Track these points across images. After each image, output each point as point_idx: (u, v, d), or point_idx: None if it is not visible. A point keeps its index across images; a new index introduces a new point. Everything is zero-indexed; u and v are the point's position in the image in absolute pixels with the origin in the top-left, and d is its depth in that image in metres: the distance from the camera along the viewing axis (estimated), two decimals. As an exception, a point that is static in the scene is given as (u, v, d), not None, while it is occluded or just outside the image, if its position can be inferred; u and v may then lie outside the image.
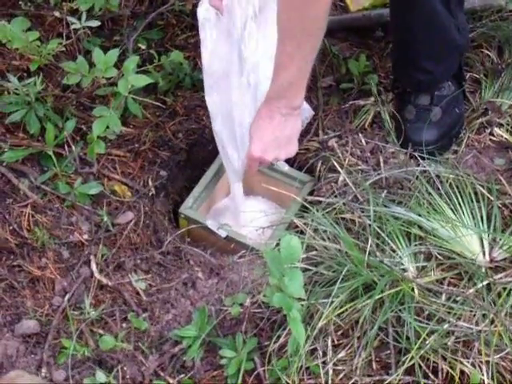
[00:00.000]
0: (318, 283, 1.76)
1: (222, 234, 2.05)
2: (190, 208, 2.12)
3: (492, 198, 1.89)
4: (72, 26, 2.05)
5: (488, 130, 2.09)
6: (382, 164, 2.04)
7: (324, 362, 1.67)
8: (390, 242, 1.81)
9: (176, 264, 1.98)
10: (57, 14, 2.15)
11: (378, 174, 1.98)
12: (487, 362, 1.61)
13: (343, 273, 1.70)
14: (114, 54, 1.90)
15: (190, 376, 1.73)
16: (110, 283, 1.88)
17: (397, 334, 1.68)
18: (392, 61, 2.19)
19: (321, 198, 2.00)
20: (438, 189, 1.92)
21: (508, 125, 2.09)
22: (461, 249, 1.80)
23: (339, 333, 1.71)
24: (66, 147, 2.01)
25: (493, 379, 1.60)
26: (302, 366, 1.65)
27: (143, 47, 2.26)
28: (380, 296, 1.68)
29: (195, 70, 2.31)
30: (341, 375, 1.66)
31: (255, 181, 2.24)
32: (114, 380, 1.70)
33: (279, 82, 1.75)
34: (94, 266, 1.90)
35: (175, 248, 2.01)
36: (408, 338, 1.65)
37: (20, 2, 2.21)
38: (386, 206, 1.88)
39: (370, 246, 1.75)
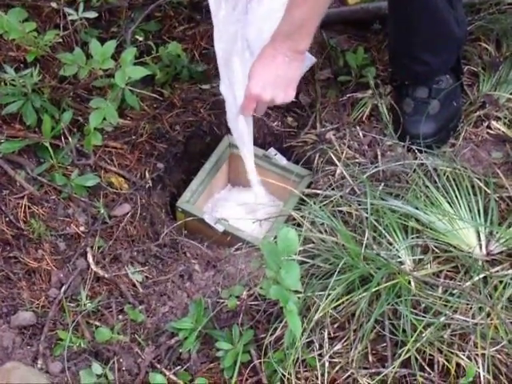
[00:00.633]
0: (315, 276, 1.76)
1: (220, 228, 2.04)
2: (187, 202, 2.12)
3: (489, 192, 1.89)
4: (69, 17, 2.04)
5: (485, 124, 2.09)
6: (379, 157, 2.04)
7: (320, 355, 1.67)
8: (386, 234, 1.81)
9: (173, 256, 1.97)
10: (54, 4, 2.14)
11: (376, 167, 1.98)
12: (483, 355, 1.62)
13: (340, 265, 1.70)
14: (111, 45, 1.89)
15: (186, 368, 1.73)
16: (106, 275, 1.87)
17: (393, 326, 1.68)
18: (389, 52, 2.18)
19: (318, 191, 1.99)
20: (436, 182, 1.91)
21: (505, 118, 2.09)
22: (457, 242, 1.80)
23: (335, 325, 1.71)
24: (62, 139, 2.01)
25: (488, 372, 1.61)
26: (298, 359, 1.66)
27: (141, 39, 2.26)
28: (376, 289, 1.68)
29: (193, 62, 2.31)
30: (337, 367, 1.66)
31: (253, 174, 2.23)
32: (110, 372, 1.70)
33: (290, 20, 1.74)
34: (90, 258, 1.89)
35: (172, 240, 2.00)
36: (404, 331, 1.65)
37: (17, -7, 2.20)
38: (383, 199, 1.88)
39: (367, 238, 1.75)
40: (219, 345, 1.73)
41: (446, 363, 1.64)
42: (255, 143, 2.24)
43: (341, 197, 1.92)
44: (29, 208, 1.93)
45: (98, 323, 1.79)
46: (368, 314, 1.68)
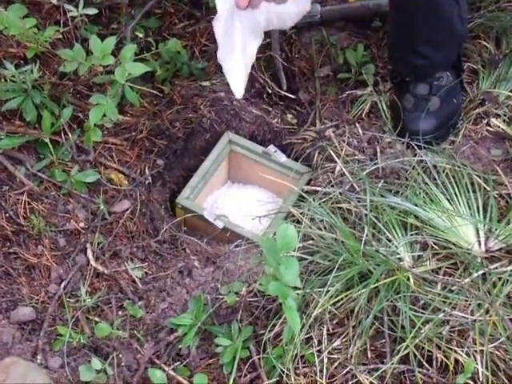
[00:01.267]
0: (314, 272, 1.76)
1: (219, 224, 2.05)
2: (187, 198, 2.12)
3: (488, 189, 1.89)
4: (69, 14, 2.04)
5: (485, 121, 2.09)
6: (378, 154, 2.04)
7: (319, 351, 1.67)
8: (386, 231, 1.81)
9: (172, 252, 1.98)
10: (54, 1, 2.14)
11: (375, 164, 1.98)
12: (481, 352, 1.62)
13: (339, 262, 1.70)
14: (111, 41, 1.89)
15: (186, 364, 1.74)
16: (106, 271, 1.88)
17: (392, 323, 1.68)
18: (388, 45, 2.18)
19: (317, 188, 2.00)
20: (435, 179, 1.91)
21: (505, 115, 2.09)
22: (457, 239, 1.80)
23: (334, 322, 1.71)
24: (62, 135, 2.01)
25: (487, 368, 1.61)
26: (297, 355, 1.66)
27: (141, 35, 2.26)
28: (375, 285, 1.68)
29: (193, 58, 2.31)
30: (336, 364, 1.66)
31: (253, 170, 2.24)
32: (109, 367, 1.70)
33: None
34: (90, 254, 1.90)
35: (171, 236, 2.01)
36: (403, 327, 1.65)
37: (17, -11, 2.20)
38: (382, 196, 1.88)
39: (366, 235, 1.76)
40: (218, 341, 1.73)
41: (444, 359, 1.64)
42: (255, 140, 2.25)
43: (340, 194, 1.92)
44: (29, 204, 1.93)
45: (97, 319, 1.79)
46: (367, 310, 1.68)
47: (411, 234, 1.81)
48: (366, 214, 1.81)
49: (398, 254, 1.78)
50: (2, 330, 1.75)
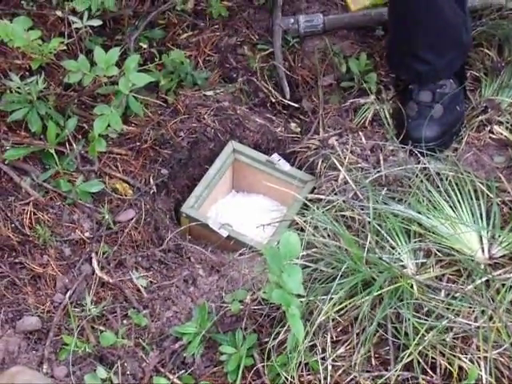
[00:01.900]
0: (318, 280, 1.77)
1: (224, 233, 2.06)
2: (191, 207, 2.13)
3: (491, 196, 1.90)
4: (74, 26, 2.06)
5: (488, 128, 2.10)
6: (381, 162, 2.05)
7: (323, 358, 1.68)
8: (389, 238, 1.82)
9: (177, 261, 1.99)
10: (59, 13, 2.16)
11: (378, 172, 1.99)
12: (485, 358, 1.62)
13: (342, 269, 1.71)
14: (114, 52, 1.91)
15: (190, 372, 1.75)
16: (111, 280, 1.89)
17: (396, 330, 1.68)
18: (388, 50, 2.19)
19: (321, 196, 2.01)
20: (438, 186, 1.92)
21: (508, 123, 2.09)
22: (460, 246, 1.80)
23: (338, 329, 1.71)
24: (67, 145, 2.03)
25: (491, 375, 1.61)
26: (301, 362, 1.66)
27: (145, 46, 2.27)
28: (379, 292, 1.69)
29: (196, 68, 2.33)
30: (340, 371, 1.67)
31: (257, 179, 2.25)
32: (114, 376, 1.71)
33: None
34: (95, 264, 1.91)
35: (176, 245, 2.02)
36: (407, 334, 1.66)
37: (22, 2, 2.22)
38: (385, 204, 1.89)
39: (369, 242, 1.76)
40: (223, 349, 1.74)
41: (448, 366, 1.64)
42: (259, 149, 2.26)
43: (343, 201, 1.93)
44: (34, 214, 1.95)
45: (102, 328, 1.80)
46: (371, 317, 1.68)
47: (414, 242, 1.82)
48: (369, 222, 1.82)
49: (402, 261, 1.79)
50: (8, 339, 1.76)
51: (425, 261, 1.79)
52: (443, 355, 1.65)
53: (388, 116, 2.16)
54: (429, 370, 1.65)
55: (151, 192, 2.12)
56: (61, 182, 2.00)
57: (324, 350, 1.69)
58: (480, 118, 2.11)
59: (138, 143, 2.17)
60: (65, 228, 1.96)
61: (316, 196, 2.04)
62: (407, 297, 1.69)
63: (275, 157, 2.21)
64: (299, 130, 2.28)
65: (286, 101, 2.29)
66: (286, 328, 1.70)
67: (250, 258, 1.94)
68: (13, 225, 1.92)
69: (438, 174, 1.96)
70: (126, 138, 2.17)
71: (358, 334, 1.69)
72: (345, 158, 2.08)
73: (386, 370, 1.66)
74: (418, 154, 2.03)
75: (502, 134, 2.08)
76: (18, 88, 1.99)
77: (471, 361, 1.63)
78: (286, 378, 1.66)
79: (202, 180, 2.19)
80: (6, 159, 1.99)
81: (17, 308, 1.81)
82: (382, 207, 1.87)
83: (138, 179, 2.12)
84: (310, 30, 2.36)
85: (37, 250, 1.91)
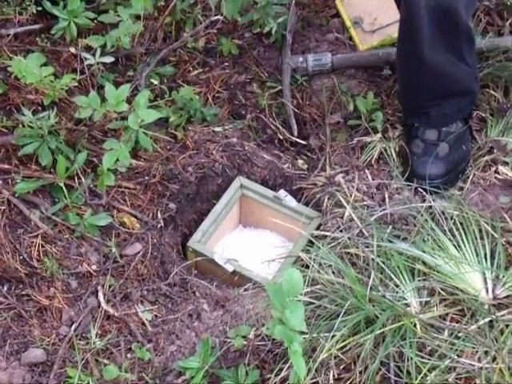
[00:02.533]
0: (322, 317, 1.78)
1: (229, 268, 2.07)
2: (198, 242, 2.15)
3: (496, 236, 1.91)
4: (86, 62, 2.11)
5: (493, 168, 2.11)
6: (387, 200, 2.07)
7: (325, 396, 1.68)
8: (393, 276, 1.82)
9: (182, 295, 2.00)
10: (72, 49, 2.21)
11: (383, 210, 2.00)
12: (488, 399, 1.62)
13: (346, 307, 1.72)
14: (125, 89, 1.95)
15: (193, 407, 1.75)
16: (116, 314, 1.90)
17: (398, 368, 1.68)
18: (399, 94, 2.23)
19: (327, 233, 2.02)
20: (443, 225, 1.93)
21: (513, 163, 2.11)
22: (464, 285, 1.81)
23: (341, 367, 1.72)
24: (76, 179, 2.06)
25: (493, 416, 1.61)
26: (303, 400, 1.66)
27: (156, 82, 2.32)
28: (382, 330, 1.69)
29: (206, 105, 2.36)
30: (342, 409, 1.67)
31: (264, 215, 2.27)
32: (117, 410, 1.72)
33: None
34: (101, 297, 1.93)
35: (182, 279, 2.03)
36: (409, 373, 1.66)
37: (37, 39, 2.27)
38: (390, 242, 1.90)
39: (373, 280, 1.77)
40: (225, 384, 1.75)
41: (450, 406, 1.64)
42: (266, 185, 2.29)
43: (349, 238, 1.94)
44: (42, 247, 1.97)
45: (106, 361, 1.81)
46: (373, 355, 1.69)
47: (419, 280, 1.82)
48: (373, 259, 1.83)
49: (406, 299, 1.79)
50: (12, 371, 1.77)
51: (429, 299, 1.80)
52: (446, 395, 1.65)
53: (394, 154, 2.18)
54: (431, 410, 1.64)
55: (158, 226, 2.14)
56: (69, 215, 2.03)
57: (326, 388, 1.69)
58: (486, 158, 2.13)
59: (146, 177, 2.19)
60: (72, 261, 1.99)
61: (322, 233, 2.05)
62: (410, 335, 1.70)
63: (282, 193, 2.23)
64: (306, 166, 2.30)
65: (294, 138, 2.32)
66: (288, 364, 1.71)
67: (254, 293, 1.95)
68: (21, 257, 1.95)
69: (443, 212, 1.97)
70: (135, 172, 2.20)
71: (360, 372, 1.69)
72: (351, 195, 2.10)
73: (389, 408, 1.67)
74: (424, 193, 2.04)
75: (507, 174, 2.09)
76: (30, 122, 2.03)
77: (473, 401, 1.63)
78: (287, 415, 1.66)
79: (210, 215, 2.21)
80: (17, 192, 2.02)
81: (22, 340, 1.83)
82: (387, 245, 1.88)
83: (145, 213, 2.14)
84: (318, 68, 2.39)
85: (44, 282, 1.93)
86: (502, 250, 1.87)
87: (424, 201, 2.03)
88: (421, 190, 2.06)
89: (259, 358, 1.76)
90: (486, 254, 1.87)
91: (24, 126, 2.04)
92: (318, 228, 2.13)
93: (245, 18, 2.43)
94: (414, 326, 1.71)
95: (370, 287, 1.77)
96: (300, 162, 2.31)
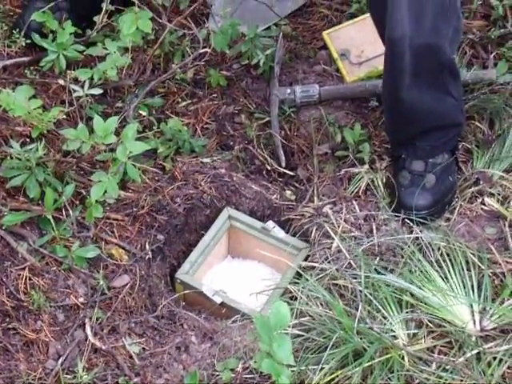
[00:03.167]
0: (310, 349, 1.78)
1: (217, 300, 2.07)
2: (186, 273, 2.15)
3: (483, 267, 1.92)
4: (75, 94, 2.12)
5: (479, 200, 2.12)
6: (374, 231, 2.07)
7: (313, 430, 1.67)
8: (381, 308, 1.83)
9: (170, 328, 1.99)
10: (61, 81, 2.22)
11: (371, 241, 2.01)
12: (476, 433, 1.62)
13: (333, 339, 1.72)
14: (113, 121, 1.96)
15: None
16: (103, 347, 1.89)
17: (386, 402, 1.68)
18: (386, 128, 2.25)
19: (315, 264, 2.03)
20: (430, 256, 1.94)
21: (499, 194, 2.12)
22: (451, 317, 1.82)
23: (329, 400, 1.71)
24: (63, 211, 2.05)
25: None
26: (291, 434, 1.65)
27: (144, 114, 2.33)
28: (370, 363, 1.69)
29: (194, 136, 2.37)
30: None
31: (252, 246, 2.27)
32: None
33: None
34: (88, 330, 1.91)
35: (169, 312, 2.03)
36: (397, 407, 1.66)
37: (26, 71, 2.28)
38: (378, 273, 1.91)
39: (361, 312, 1.77)
40: (213, 418, 1.74)
41: None
42: (254, 216, 2.29)
43: (337, 270, 1.95)
44: (29, 279, 1.97)
45: (93, 395, 1.80)
46: (361, 388, 1.69)
47: (406, 312, 1.83)
48: (360, 291, 1.84)
49: (394, 331, 1.80)
50: (-3, 407, 1.76)
51: (416, 331, 1.80)
52: (434, 429, 1.64)
53: (381, 185, 2.19)
54: None
55: (147, 257, 2.14)
56: (57, 247, 2.02)
57: (314, 422, 1.68)
58: (472, 189, 2.14)
59: (134, 209, 2.19)
60: (59, 293, 1.98)
61: (310, 264, 2.06)
62: (398, 368, 1.70)
63: (270, 224, 2.24)
64: (294, 197, 2.30)
65: (282, 169, 2.33)
66: (276, 398, 1.70)
67: (242, 325, 1.95)
68: (8, 290, 1.94)
69: (430, 244, 1.98)
70: (123, 204, 2.20)
71: (348, 406, 1.69)
72: (338, 226, 2.11)
73: None
74: (411, 224, 2.05)
75: (493, 205, 2.11)
76: (18, 154, 2.03)
77: None
78: None
79: (198, 246, 2.21)
80: (4, 225, 2.01)
81: (8, 375, 1.81)
82: (375, 276, 1.89)
83: (133, 245, 2.14)
84: (306, 100, 2.41)
85: (31, 315, 1.92)
86: (488, 281, 1.88)
87: (411, 232, 2.04)
88: (408, 221, 2.07)
89: (247, 392, 1.76)
90: (472, 286, 1.88)
91: (12, 158, 2.04)
92: (306, 259, 2.13)
93: (233, 51, 2.45)
94: (402, 358, 1.71)
95: (358, 319, 1.77)
96: (288, 192, 2.31)
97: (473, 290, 1.87)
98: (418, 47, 1.95)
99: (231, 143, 2.39)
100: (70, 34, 2.23)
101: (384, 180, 2.20)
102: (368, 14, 2.42)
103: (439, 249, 1.96)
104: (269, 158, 2.35)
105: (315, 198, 2.23)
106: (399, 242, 1.99)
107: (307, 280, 1.90)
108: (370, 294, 1.85)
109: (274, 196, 2.30)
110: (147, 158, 2.28)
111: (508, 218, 2.06)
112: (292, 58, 2.54)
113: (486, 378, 1.66)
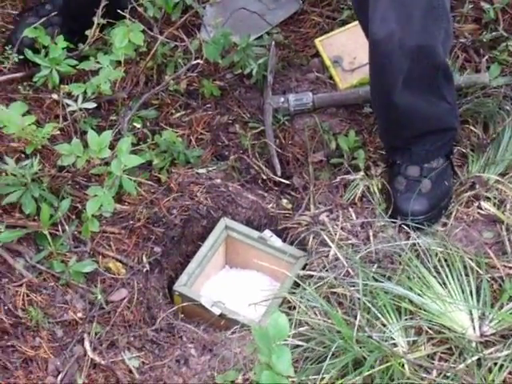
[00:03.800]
0: (309, 359, 1.77)
1: (216, 311, 2.06)
2: (184, 285, 2.14)
3: (481, 272, 1.92)
4: (68, 109, 2.12)
5: (476, 204, 2.12)
6: (371, 238, 2.07)
7: None
8: (380, 316, 1.83)
9: (169, 341, 1.99)
10: (55, 96, 2.22)
11: (368, 248, 2.01)
12: None
13: (333, 349, 1.71)
14: (107, 136, 1.96)
15: None
16: (102, 362, 1.88)
17: (387, 410, 1.68)
18: (380, 134, 2.25)
19: (312, 273, 2.03)
20: (428, 262, 1.94)
21: (495, 198, 2.12)
22: (451, 323, 1.81)
23: (330, 410, 1.71)
24: (59, 226, 2.05)
25: None
26: None
27: (138, 126, 2.33)
28: (370, 372, 1.69)
29: (189, 147, 2.37)
30: None
31: (250, 255, 2.27)
32: None
33: None
34: (87, 345, 1.91)
35: (168, 324, 2.02)
36: (398, 415, 1.65)
37: (19, 87, 2.28)
38: (376, 280, 1.91)
39: (359, 321, 1.77)
40: (214, 432, 1.73)
41: None
42: (251, 225, 2.29)
43: (335, 278, 1.94)
44: (27, 296, 1.96)
45: (93, 411, 1.80)
46: (362, 398, 1.68)
47: (405, 319, 1.83)
48: (358, 299, 1.83)
49: (393, 339, 1.79)
50: (-2, 425, 1.75)
51: (416, 339, 1.80)
52: None
53: (377, 192, 2.19)
54: None
55: (144, 270, 2.13)
56: (54, 263, 2.02)
57: (316, 432, 1.68)
58: (468, 193, 2.14)
59: (131, 222, 2.19)
60: (57, 309, 1.97)
61: (308, 272, 2.05)
62: (399, 376, 1.69)
63: (267, 233, 2.23)
64: (290, 206, 2.30)
65: (277, 178, 2.33)
66: (277, 409, 1.69)
67: (241, 336, 1.94)
68: (6, 307, 1.93)
69: (428, 249, 1.97)
70: (120, 217, 2.19)
71: (349, 415, 1.69)
72: (335, 234, 2.11)
73: None
74: (408, 230, 2.05)
75: (489, 209, 2.11)
76: (13, 171, 2.02)
77: None
78: None
79: (195, 257, 2.20)
80: (1, 242, 2.01)
81: (8, 393, 1.81)
82: (373, 284, 1.88)
83: (131, 258, 2.14)
84: (299, 108, 2.41)
85: (29, 332, 1.91)
86: (487, 286, 1.88)
87: (408, 238, 2.04)
88: (405, 227, 2.07)
89: (248, 404, 1.75)
90: (471, 291, 1.88)
91: (7, 175, 2.04)
92: (303, 267, 2.13)
93: (226, 61, 2.45)
94: (402, 366, 1.71)
95: (357, 328, 1.77)
96: (284, 201, 2.31)
97: (471, 296, 1.86)
98: (409, 49, 1.91)
99: (226, 153, 2.39)
100: (63, 48, 2.23)
101: (380, 186, 2.20)
102: (359, 21, 2.42)
103: (437, 254, 1.96)
104: (264, 167, 2.35)
105: (311, 206, 2.23)
106: (396, 249, 1.99)
107: (305, 289, 1.89)
108: (369, 302, 1.84)
109: (271, 205, 2.30)
110: (142, 170, 2.28)
111: (505, 222, 2.06)
112: (285, 66, 2.54)
113: (486, 384, 1.66)
